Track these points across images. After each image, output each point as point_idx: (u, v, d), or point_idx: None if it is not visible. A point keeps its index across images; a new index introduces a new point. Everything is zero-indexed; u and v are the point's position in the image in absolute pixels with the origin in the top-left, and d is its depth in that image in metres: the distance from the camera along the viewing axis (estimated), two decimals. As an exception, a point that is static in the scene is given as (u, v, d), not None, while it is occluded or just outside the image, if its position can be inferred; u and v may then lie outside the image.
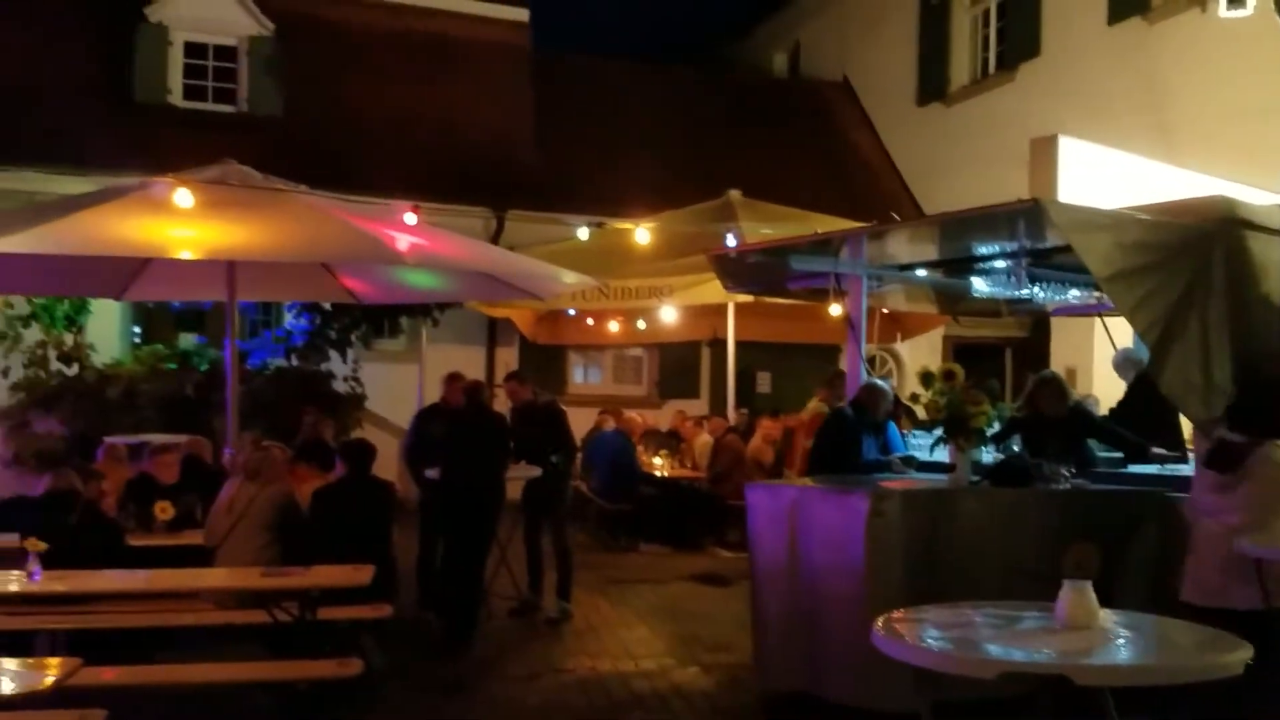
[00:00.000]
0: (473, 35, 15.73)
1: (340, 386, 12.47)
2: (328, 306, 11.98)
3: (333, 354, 12.47)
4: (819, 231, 7.25)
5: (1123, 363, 7.73)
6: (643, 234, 8.86)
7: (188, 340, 13.00)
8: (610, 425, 11.32)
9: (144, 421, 11.07)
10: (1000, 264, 6.61)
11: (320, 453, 7.91)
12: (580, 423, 9.78)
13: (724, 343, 12.53)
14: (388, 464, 8.57)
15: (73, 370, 11.69)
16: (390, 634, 6.54)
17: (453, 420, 7.59)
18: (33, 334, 11.56)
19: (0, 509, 10.86)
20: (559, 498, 8.10)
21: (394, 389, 13.27)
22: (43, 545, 5.38)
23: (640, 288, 10.95)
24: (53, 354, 11.64)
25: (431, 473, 7.54)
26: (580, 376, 16.16)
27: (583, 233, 8.72)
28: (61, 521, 5.99)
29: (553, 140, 15.16)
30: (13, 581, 5.32)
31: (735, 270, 7.37)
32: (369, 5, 15.33)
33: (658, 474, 11.50)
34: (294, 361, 12.26)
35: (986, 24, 15.90)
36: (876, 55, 18.09)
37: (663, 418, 13.82)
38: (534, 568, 8.14)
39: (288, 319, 12.86)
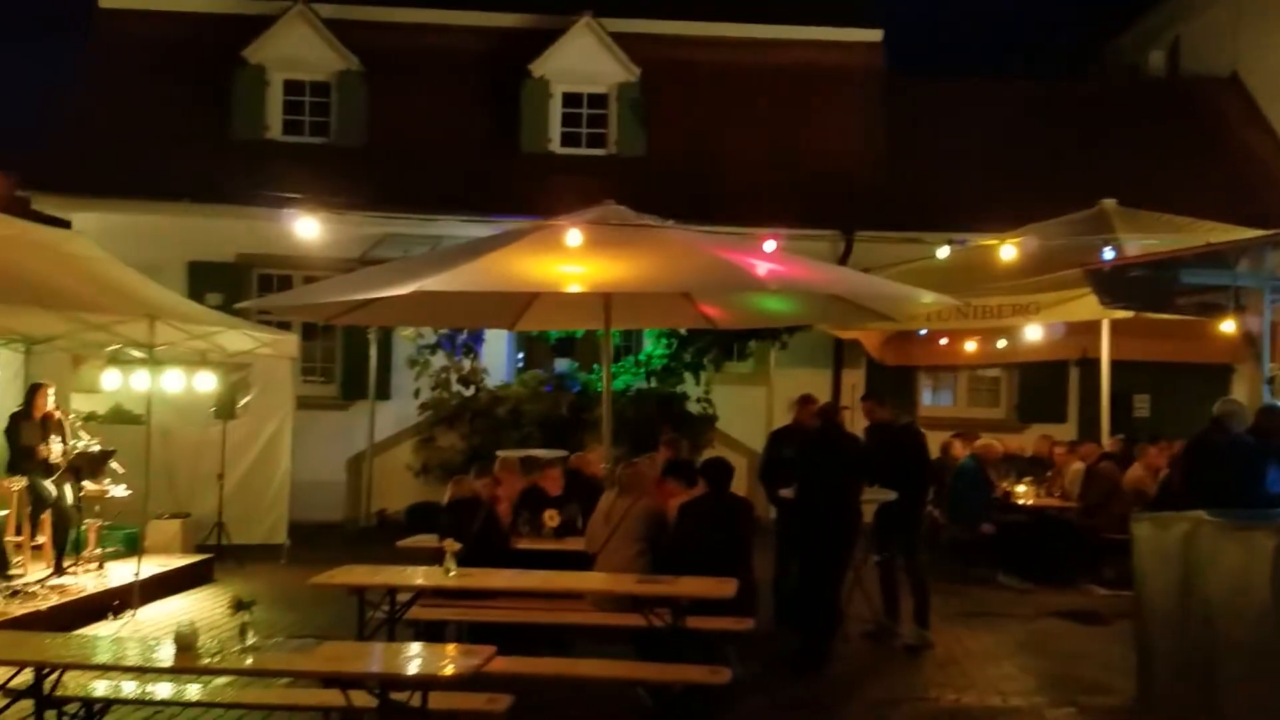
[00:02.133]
0: (825, 61, 15.88)
1: (693, 407, 13.12)
2: (683, 332, 12.64)
3: (687, 377, 13.16)
4: (1211, 242, 6.64)
5: None
6: (1008, 250, 8.53)
7: (562, 365, 14.23)
8: (959, 449, 10.95)
9: (527, 437, 12.30)
10: None
11: (683, 470, 8.37)
12: (930, 446, 9.54)
13: (1096, 362, 11.69)
14: (739, 483, 8.89)
15: (470, 392, 13.17)
16: (748, 647, 6.76)
17: (807, 442, 7.70)
18: (438, 360, 13.16)
19: (414, 512, 12.57)
20: (913, 523, 7.98)
21: (742, 410, 13.70)
22: (457, 545, 6.16)
23: (1002, 305, 10.49)
24: (454, 377, 13.18)
25: (786, 493, 7.71)
26: (930, 398, 15.74)
27: (943, 251, 8.57)
28: (468, 525, 6.80)
29: (903, 159, 14.96)
30: (432, 577, 6.11)
31: (1114, 285, 6.95)
32: (726, 43, 15.92)
33: (1020, 502, 10.92)
34: (653, 384, 13.05)
35: None
36: (1274, 47, 16.14)
37: (1022, 442, 13.12)
38: (889, 593, 8.05)
39: (648, 345, 13.69)
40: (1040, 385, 14.85)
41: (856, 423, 9.35)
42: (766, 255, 6.43)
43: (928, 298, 7.47)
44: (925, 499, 8.28)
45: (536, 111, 15.17)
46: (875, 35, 16.29)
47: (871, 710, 6.33)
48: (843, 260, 13.75)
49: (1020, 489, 11.10)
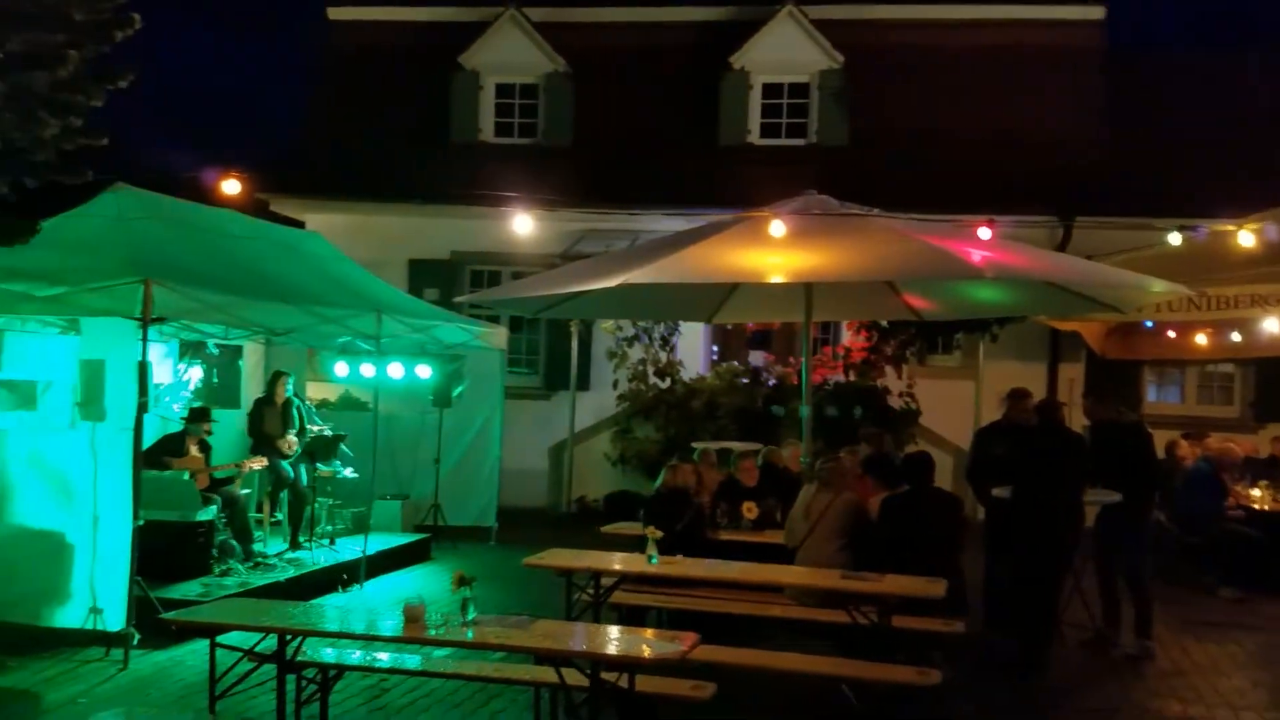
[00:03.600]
0: (1040, 41, 15.08)
1: (895, 402, 12.79)
2: (885, 324, 12.33)
3: (888, 370, 12.83)
4: None
5: None
6: (1247, 236, 7.88)
7: (756, 358, 14.19)
8: (1185, 449, 10.21)
9: (722, 430, 12.34)
10: None
11: (884, 466, 8.19)
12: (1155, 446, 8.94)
13: (1345, 358, 10.62)
14: (942, 480, 8.60)
15: (665, 384, 13.36)
16: (957, 650, 6.56)
17: (1024, 439, 7.37)
18: (635, 352, 13.41)
19: (612, 500, 12.87)
20: (1138, 527, 7.51)
21: (948, 405, 13.22)
22: (659, 534, 6.28)
23: (1239, 295, 9.67)
24: (650, 370, 13.40)
25: (999, 491, 7.41)
26: (1155, 395, 14.72)
27: (1174, 238, 8.01)
28: (676, 515, 6.91)
29: (1128, 140, 14.03)
30: (636, 563, 6.25)
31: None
32: (935, 26, 15.38)
33: (1256, 507, 10.08)
34: (852, 377, 12.81)
35: None
36: None
37: (1256, 443, 12.07)
38: (1108, 599, 7.65)
39: (846, 337, 13.44)
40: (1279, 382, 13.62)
41: (1074, 420, 8.88)
42: (980, 243, 6.19)
43: (1158, 286, 6.98)
44: (1152, 502, 7.76)
45: (736, 103, 15.15)
46: (1097, 12, 15.34)
47: (1088, 718, 6.02)
48: (1060, 247, 13.05)
49: (1255, 493, 10.28)
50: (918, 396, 12.89)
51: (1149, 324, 11.86)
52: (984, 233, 6.23)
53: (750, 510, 7.58)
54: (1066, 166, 13.79)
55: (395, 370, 10.92)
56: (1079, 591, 7.68)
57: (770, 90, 15.27)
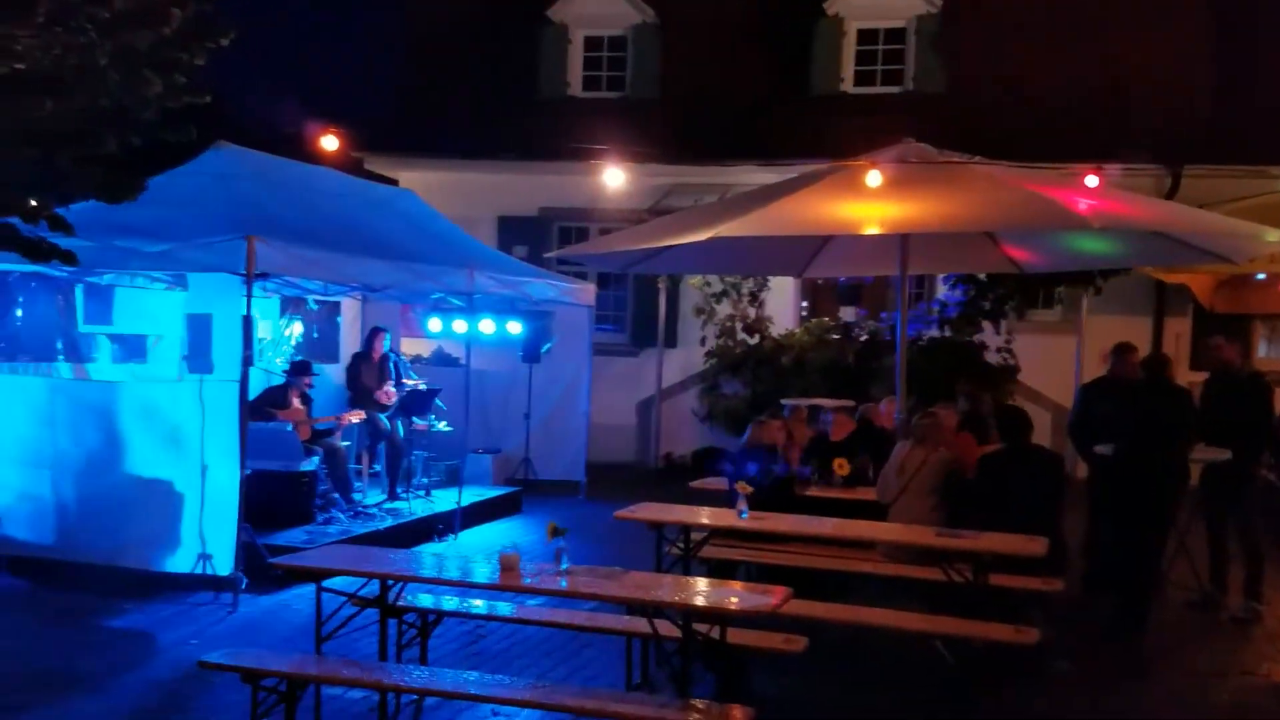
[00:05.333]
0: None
1: (992, 358, 12.47)
2: (982, 277, 11.99)
3: (985, 325, 12.50)
4: None
5: None
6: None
7: (847, 313, 13.95)
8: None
9: (811, 386, 12.19)
10: None
11: (981, 423, 8.01)
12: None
13: None
14: (1041, 437, 8.35)
15: (754, 340, 13.25)
16: (1056, 610, 6.43)
17: (1129, 395, 7.12)
18: (723, 308, 13.33)
19: (700, 456, 12.90)
20: (1247, 485, 7.22)
21: (1048, 361, 12.88)
22: (750, 489, 6.25)
23: (1361, 246, 9.16)
24: (738, 326, 13.31)
25: (1102, 449, 7.19)
26: (1266, 350, 14.07)
27: (1291, 185, 7.58)
28: (763, 470, 6.88)
29: (1238, 86, 13.31)
30: (726, 518, 6.25)
31: None
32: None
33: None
34: (947, 333, 12.52)
35: None
36: None
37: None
38: (1217, 559, 7.41)
39: (941, 291, 13.13)
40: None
41: (1180, 376, 8.55)
42: (1086, 191, 5.94)
43: (1273, 235, 6.63)
44: (1261, 460, 7.45)
45: (829, 51, 14.75)
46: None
47: (1194, 682, 5.88)
48: (1168, 197, 12.50)
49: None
50: (1016, 352, 12.55)
51: (1261, 276, 11.35)
52: (1091, 180, 5.98)
53: (842, 467, 7.49)
54: (1174, 113, 13.17)
55: (486, 326, 11.06)
56: (1185, 551, 7.44)
57: (865, 36, 14.83)
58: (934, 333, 12.56)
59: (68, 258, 5.37)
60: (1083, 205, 5.74)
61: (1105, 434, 7.15)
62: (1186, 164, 12.80)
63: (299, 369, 9.15)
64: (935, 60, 14.39)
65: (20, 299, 8.76)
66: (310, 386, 9.17)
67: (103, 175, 5.20)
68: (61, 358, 8.91)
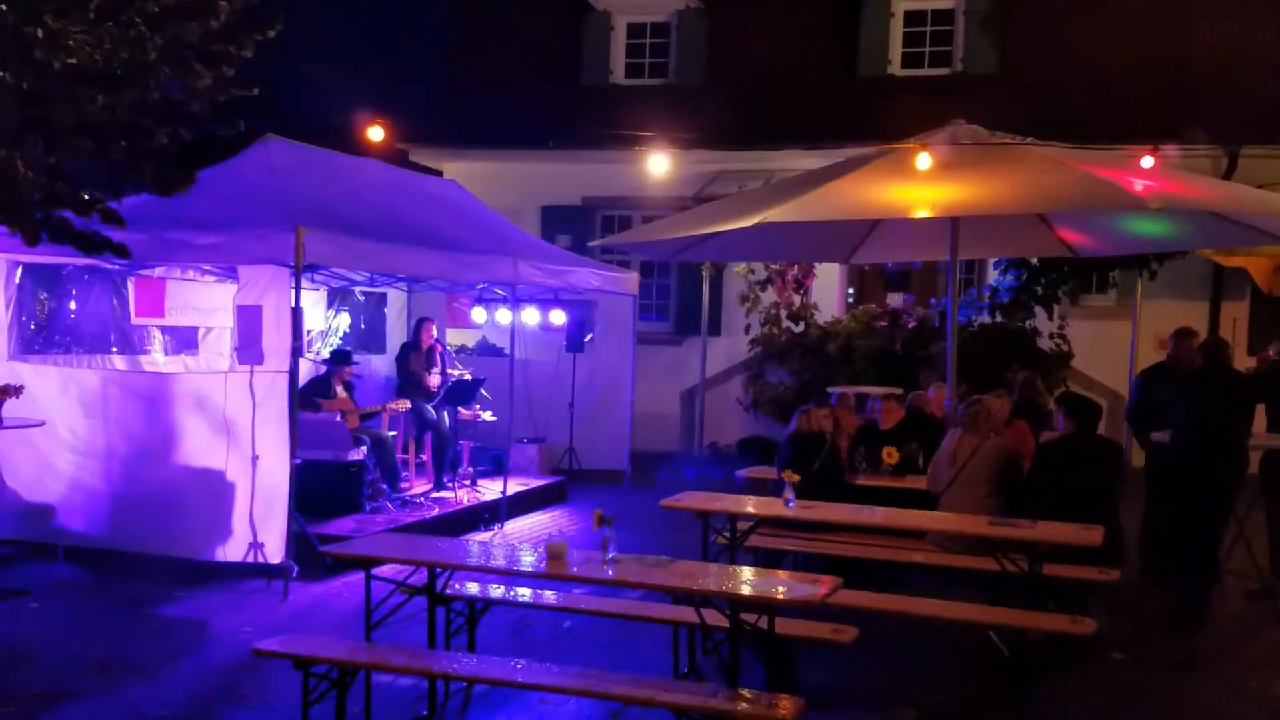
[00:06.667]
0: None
1: (1044, 344, 12.25)
2: (1034, 261, 11.77)
3: (1038, 310, 12.28)
4: None
5: None
6: None
7: (895, 299, 13.79)
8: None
9: (859, 374, 12.06)
10: None
11: (1033, 411, 7.86)
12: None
13: None
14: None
15: (799, 328, 13.14)
16: (1113, 600, 6.30)
17: (1186, 381, 6.95)
18: (768, 296, 13.22)
19: (745, 445, 12.84)
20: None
21: (1102, 346, 12.64)
22: (797, 477, 6.19)
23: None
24: (784, 313, 13.19)
25: (1160, 436, 7.03)
26: (1327, 335, 13.68)
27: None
28: (810, 459, 6.80)
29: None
30: (773, 507, 6.18)
31: None
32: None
33: None
34: (998, 318, 12.31)
35: None
36: None
37: None
38: (1276, 548, 7.21)
39: (992, 276, 12.91)
40: None
41: (1238, 361, 8.33)
42: (1142, 172, 5.78)
43: (1333, 217, 6.43)
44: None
45: (876, 33, 14.53)
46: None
47: (1251, 672, 5.75)
48: (1225, 178, 12.17)
49: None
50: (1070, 338, 12.32)
51: (1322, 259, 10.99)
52: (1147, 161, 5.82)
53: (890, 455, 7.40)
54: (1234, 91, 12.79)
55: (530, 316, 11.06)
56: (1244, 539, 7.26)
57: (913, 18, 14.60)
58: (985, 318, 12.37)
59: (120, 250, 5.43)
60: (1139, 186, 5.58)
61: (1163, 421, 6.99)
62: (1244, 145, 12.45)
63: (339, 358, 9.23)
64: (986, 40, 14.12)
65: (74, 292, 8.91)
66: (352, 374, 9.24)
67: (154, 168, 5.24)
68: (115, 350, 9.05)
